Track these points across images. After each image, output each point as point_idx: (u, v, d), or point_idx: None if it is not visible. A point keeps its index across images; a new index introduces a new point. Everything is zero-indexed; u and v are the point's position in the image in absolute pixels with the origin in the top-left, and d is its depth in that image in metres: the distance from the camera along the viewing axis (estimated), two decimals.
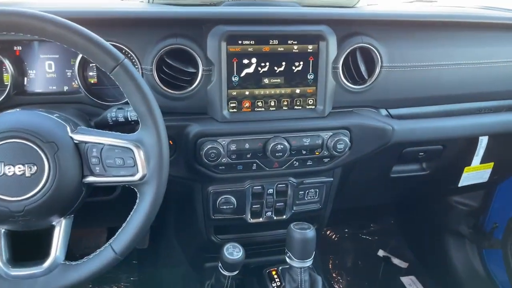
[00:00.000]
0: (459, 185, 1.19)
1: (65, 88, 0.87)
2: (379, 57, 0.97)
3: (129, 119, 0.86)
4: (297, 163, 0.97)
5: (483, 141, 1.11)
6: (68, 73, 0.87)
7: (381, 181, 1.23)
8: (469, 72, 1.03)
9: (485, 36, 1.03)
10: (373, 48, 0.97)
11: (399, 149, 1.06)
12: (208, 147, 0.88)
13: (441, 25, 0.97)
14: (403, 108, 1.06)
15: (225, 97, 0.88)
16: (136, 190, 0.77)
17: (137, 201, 0.76)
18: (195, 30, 0.86)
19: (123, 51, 0.82)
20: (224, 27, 0.85)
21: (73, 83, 0.87)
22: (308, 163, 0.98)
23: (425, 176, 1.24)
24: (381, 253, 1.82)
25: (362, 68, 1.01)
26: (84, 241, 1.66)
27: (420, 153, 1.13)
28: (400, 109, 1.06)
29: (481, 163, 1.17)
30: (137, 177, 0.69)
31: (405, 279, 1.68)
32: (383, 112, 1.05)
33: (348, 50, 0.95)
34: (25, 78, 0.85)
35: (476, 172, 1.17)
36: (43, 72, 0.86)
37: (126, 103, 0.95)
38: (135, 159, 0.73)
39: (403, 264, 1.75)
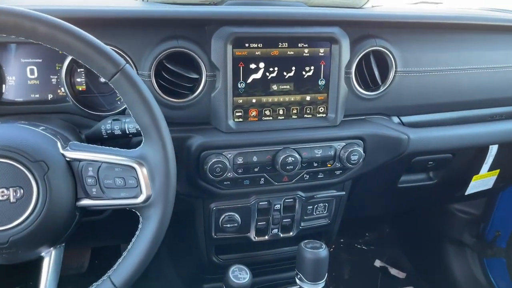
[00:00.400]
0: (466, 193, 1.14)
1: (50, 96, 0.77)
2: (393, 61, 0.92)
3: (127, 132, 0.76)
4: (308, 176, 0.91)
5: (493, 149, 1.06)
6: (53, 80, 0.76)
7: (388, 191, 1.18)
8: (485, 76, 0.98)
9: (499, 39, 0.96)
10: (387, 52, 0.91)
11: (409, 159, 0.99)
12: (213, 161, 0.81)
13: (456, 27, 0.92)
14: (415, 116, 1.02)
15: (230, 106, 0.82)
16: (139, 214, 0.67)
17: (140, 226, 0.67)
18: (198, 32, 0.80)
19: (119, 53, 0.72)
20: (230, 28, 0.79)
21: (59, 91, 0.76)
22: (319, 176, 0.92)
23: (432, 185, 1.18)
24: (378, 263, 1.76)
25: (376, 73, 0.94)
26: (65, 261, 1.53)
27: (430, 162, 1.08)
28: (412, 117, 1.01)
29: (488, 171, 1.09)
30: (140, 199, 0.59)
31: None
32: (395, 119, 1.00)
33: (362, 54, 0.89)
34: (3, 86, 0.74)
35: (482, 180, 1.11)
36: (24, 79, 0.75)
37: (120, 113, 0.84)
38: (138, 179, 0.64)
39: (400, 275, 1.69)
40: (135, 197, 0.65)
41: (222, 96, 0.80)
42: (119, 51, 0.75)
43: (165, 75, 0.78)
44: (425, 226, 1.71)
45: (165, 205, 0.65)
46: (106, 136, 0.71)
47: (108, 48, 0.63)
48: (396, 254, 1.80)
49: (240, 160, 0.84)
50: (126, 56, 0.76)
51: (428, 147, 0.98)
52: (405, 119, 1.00)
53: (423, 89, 0.96)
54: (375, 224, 1.90)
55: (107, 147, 0.66)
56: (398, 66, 0.92)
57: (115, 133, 0.70)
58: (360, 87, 0.91)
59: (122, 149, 0.66)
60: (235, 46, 0.79)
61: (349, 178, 0.95)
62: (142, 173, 0.64)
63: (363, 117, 0.95)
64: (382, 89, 0.92)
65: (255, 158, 0.84)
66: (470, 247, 1.57)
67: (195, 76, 0.80)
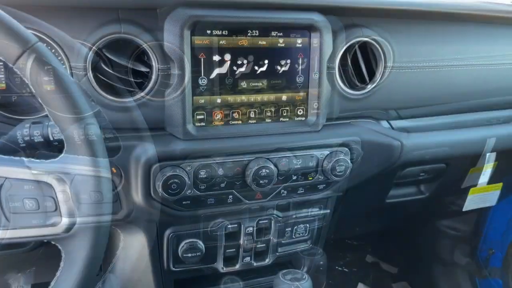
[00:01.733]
0: (464, 209, 1.01)
1: None
2: (382, 54, 0.82)
3: (51, 139, 0.58)
4: (285, 192, 0.80)
5: (491, 157, 0.92)
6: None
7: (375, 208, 1.09)
8: (482, 74, 0.85)
9: (498, 33, 0.86)
10: (376, 44, 0.81)
11: (400, 169, 0.85)
12: (168, 175, 0.68)
13: (453, 17, 0.82)
14: (407, 120, 0.93)
15: (189, 107, 0.70)
16: (60, 248, 0.48)
17: (61, 264, 0.48)
18: (147, 14, 0.68)
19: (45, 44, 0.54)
20: (187, 10, 0.67)
21: None
22: (299, 191, 0.81)
23: (423, 199, 1.09)
24: (361, 287, 1.60)
25: (363, 69, 0.83)
26: None
27: (421, 174, 0.99)
28: (403, 121, 0.92)
29: (488, 183, 1.03)
30: (60, 228, 0.41)
31: None
32: (384, 124, 0.90)
33: (346, 46, 0.79)
34: None
35: (482, 195, 0.98)
36: None
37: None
38: (56, 200, 0.46)
39: None
40: (53, 225, 0.47)
41: (178, 95, 0.69)
42: (44, 37, 0.58)
43: (105, 68, 0.66)
44: (412, 245, 1.58)
45: (95, 236, 0.47)
46: (24, 144, 0.53)
47: (15, 23, 0.45)
48: (382, 275, 1.65)
49: (202, 174, 0.71)
50: (53, 44, 0.59)
51: (423, 155, 0.90)
52: (396, 123, 0.90)
53: (416, 87, 0.87)
54: (358, 244, 1.75)
55: (12, 157, 0.48)
56: (387, 61, 0.82)
57: (35, 140, 0.53)
58: (345, 85, 0.81)
59: (34, 159, 0.48)
60: (194, 33, 0.68)
61: (333, 194, 0.85)
62: (63, 191, 0.46)
63: (349, 121, 0.85)
64: (369, 87, 0.82)
65: (221, 171, 0.72)
66: (461, 267, 1.44)
67: (144, 69, 0.68)
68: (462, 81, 0.90)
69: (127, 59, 0.67)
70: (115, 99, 0.68)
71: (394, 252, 1.66)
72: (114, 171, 0.68)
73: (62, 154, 0.48)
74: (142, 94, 0.69)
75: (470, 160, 1.05)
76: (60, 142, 0.59)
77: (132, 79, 0.68)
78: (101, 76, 0.66)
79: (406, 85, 0.85)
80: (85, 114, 0.48)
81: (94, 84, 0.66)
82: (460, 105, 0.93)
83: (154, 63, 0.68)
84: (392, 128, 0.92)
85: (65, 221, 0.47)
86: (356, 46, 0.82)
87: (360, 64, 0.82)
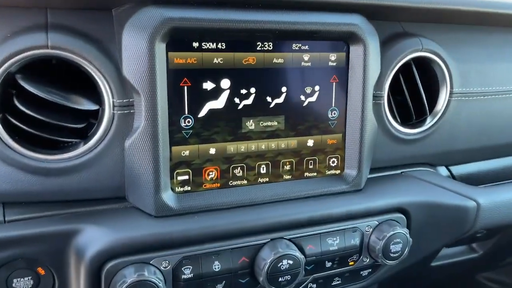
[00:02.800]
0: None
1: None
2: (448, 76, 0.62)
3: None
4: (315, 285, 0.58)
5: None
6: None
7: (414, 272, 0.85)
8: None
9: None
10: (439, 61, 0.62)
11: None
12: (131, 280, 0.45)
13: None
14: (470, 164, 0.73)
15: (165, 163, 0.50)
16: None
17: None
18: (95, 17, 0.48)
19: None
20: (161, 10, 0.46)
21: None
22: (334, 283, 0.59)
23: (474, 258, 0.90)
24: None
25: (423, 96, 0.62)
26: None
27: (480, 230, 0.77)
28: (466, 166, 0.72)
29: None
30: None
31: None
32: (442, 171, 0.71)
33: (401, 64, 0.59)
34: None
35: None
36: None
37: None
38: None
39: None
40: None
41: (147, 146, 0.48)
42: None
43: (21, 107, 0.45)
44: None
45: None
46: None
47: None
48: None
49: (187, 272, 0.49)
50: None
51: (506, 218, 0.66)
52: (458, 170, 0.72)
53: (488, 119, 0.68)
54: None
55: None
56: (454, 85, 0.63)
57: None
58: (396, 120, 0.62)
59: None
60: (172, 47, 0.48)
61: (381, 280, 0.63)
62: None
63: (400, 171, 0.66)
64: (429, 122, 0.64)
65: (217, 265, 0.50)
66: None
67: (90, 107, 0.48)
68: None
69: (59, 91, 0.46)
70: (38, 156, 0.46)
71: None
72: (42, 272, 0.47)
73: None
74: (86, 147, 0.48)
75: None
76: None
77: (69, 124, 0.47)
78: (13, 121, 0.45)
79: (475, 117, 0.67)
80: None
81: (2, 132, 0.44)
82: None
83: (106, 97, 0.48)
84: (453, 176, 0.71)
85: None
86: (412, 63, 0.59)
87: (420, 90, 0.59)
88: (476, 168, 0.73)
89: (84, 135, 0.48)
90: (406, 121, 0.64)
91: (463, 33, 0.65)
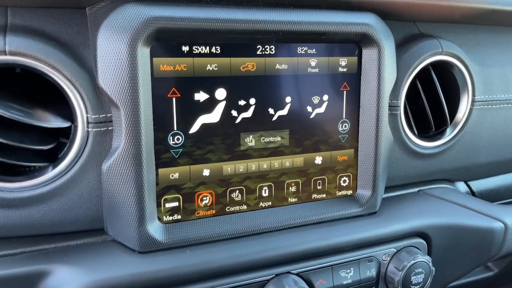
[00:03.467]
0: None
1: None
2: (469, 82, 0.55)
3: None
4: None
5: None
6: None
7: None
8: None
9: None
10: (460, 65, 0.55)
11: None
12: None
13: None
14: (489, 179, 0.66)
15: (151, 188, 0.43)
16: None
17: None
18: (65, 17, 0.40)
19: None
20: (143, 7, 0.39)
21: None
22: None
23: (489, 277, 0.82)
24: None
25: (444, 105, 0.55)
26: None
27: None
28: (486, 181, 0.65)
29: None
30: None
31: None
32: (461, 187, 0.64)
33: (419, 69, 0.53)
34: None
35: None
36: None
37: None
38: None
39: None
40: None
41: (128, 168, 0.41)
42: None
43: None
44: None
45: None
46: None
47: None
48: None
49: None
50: None
51: None
52: (476, 185, 0.65)
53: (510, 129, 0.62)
54: None
55: None
56: (476, 92, 0.56)
57: None
58: (413, 132, 0.55)
59: None
60: (157, 52, 0.41)
61: None
62: None
63: (417, 189, 0.59)
64: (450, 134, 0.57)
65: None
66: None
67: (59, 124, 0.40)
68: None
69: (22, 106, 0.39)
70: None
71: None
72: None
73: None
74: (55, 171, 0.40)
75: None
76: None
77: (34, 146, 0.39)
78: None
79: (498, 128, 0.61)
80: None
81: None
82: None
83: (79, 112, 0.40)
84: (473, 192, 0.65)
85: None
86: (430, 69, 0.52)
87: (440, 98, 0.52)
88: (497, 183, 0.66)
89: (53, 158, 0.40)
90: (422, 133, 0.56)
91: (483, 34, 0.58)
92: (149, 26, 0.39)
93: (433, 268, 0.52)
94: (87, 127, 0.39)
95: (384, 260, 0.50)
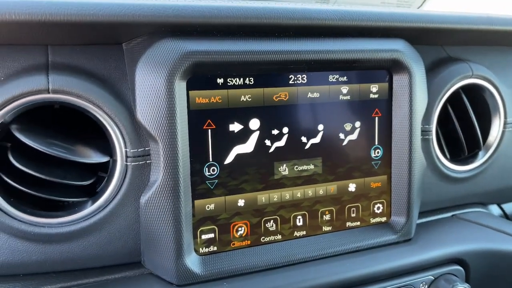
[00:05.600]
0: None
1: None
2: (500, 104, 0.55)
3: None
4: None
5: None
6: None
7: None
8: None
9: None
10: (491, 88, 0.54)
11: None
12: None
13: None
14: None
15: (188, 220, 0.42)
16: None
17: None
18: (103, 53, 0.41)
19: None
20: (181, 42, 0.39)
21: None
22: None
23: None
24: None
25: (477, 128, 0.54)
26: None
27: None
28: None
29: None
30: None
31: None
32: (495, 210, 0.63)
33: (450, 93, 0.52)
34: None
35: None
36: None
37: None
38: None
39: None
40: None
41: (166, 201, 0.40)
42: None
43: (16, 164, 0.38)
44: None
45: None
46: None
47: None
48: None
49: None
50: None
51: None
52: (510, 207, 0.63)
53: None
54: None
55: None
56: (508, 114, 0.56)
57: None
58: (445, 156, 0.55)
59: None
60: (193, 85, 0.41)
61: None
62: None
63: (450, 214, 0.58)
64: (482, 157, 0.56)
65: None
66: None
67: (99, 159, 0.41)
68: None
69: (63, 141, 0.39)
70: (38, 220, 0.38)
71: None
72: None
73: None
74: (94, 206, 0.40)
75: None
76: None
77: (74, 181, 0.39)
78: (8, 180, 0.38)
79: None
80: None
81: None
82: None
83: (118, 146, 0.41)
84: (506, 215, 0.64)
85: None
86: (462, 93, 0.52)
87: (473, 122, 0.51)
88: None
89: (92, 192, 0.40)
90: (454, 157, 0.55)
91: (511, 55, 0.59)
92: (186, 60, 0.39)
93: None
94: (126, 161, 0.39)
95: None
